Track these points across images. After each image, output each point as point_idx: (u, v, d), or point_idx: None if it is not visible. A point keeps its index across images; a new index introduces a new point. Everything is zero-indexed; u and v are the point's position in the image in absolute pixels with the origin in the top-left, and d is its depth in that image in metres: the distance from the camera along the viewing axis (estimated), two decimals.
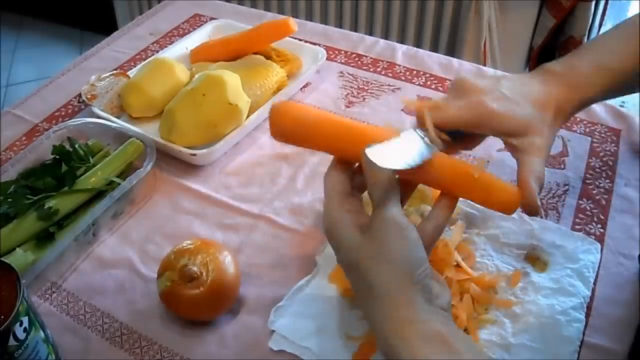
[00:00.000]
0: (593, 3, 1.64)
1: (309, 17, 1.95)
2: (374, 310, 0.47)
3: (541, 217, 0.72)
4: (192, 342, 0.63)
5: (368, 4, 1.85)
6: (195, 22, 1.14)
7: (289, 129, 0.53)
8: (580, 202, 0.76)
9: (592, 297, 0.64)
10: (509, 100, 0.57)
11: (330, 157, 0.54)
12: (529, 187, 0.55)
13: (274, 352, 0.61)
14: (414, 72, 0.99)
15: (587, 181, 0.79)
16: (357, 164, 0.54)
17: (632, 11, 2.24)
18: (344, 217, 0.50)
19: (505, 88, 0.58)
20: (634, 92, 0.67)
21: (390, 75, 0.99)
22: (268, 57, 0.95)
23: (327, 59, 0.99)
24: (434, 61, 1.01)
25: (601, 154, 0.82)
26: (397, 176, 0.50)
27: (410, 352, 0.44)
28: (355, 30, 1.79)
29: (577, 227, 0.73)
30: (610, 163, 0.81)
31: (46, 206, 0.71)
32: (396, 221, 0.48)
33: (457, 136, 0.58)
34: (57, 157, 0.77)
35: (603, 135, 0.85)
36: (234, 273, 0.64)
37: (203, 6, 1.19)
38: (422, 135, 0.54)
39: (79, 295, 0.68)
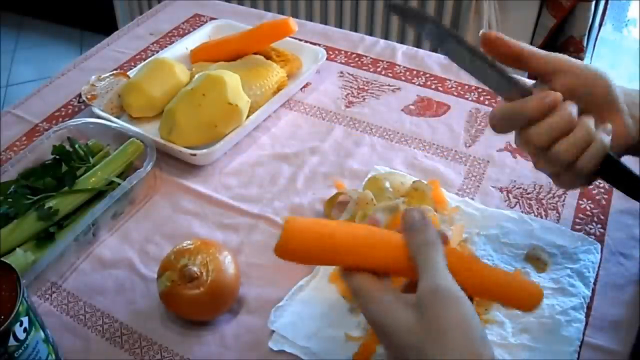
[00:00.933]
0: (593, 3, 1.64)
1: (309, 17, 1.95)
2: None
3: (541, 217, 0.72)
4: (192, 342, 0.63)
5: (368, 4, 1.85)
6: (195, 22, 1.14)
7: (305, 248, 0.49)
8: (580, 202, 0.76)
9: (592, 297, 0.64)
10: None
11: None
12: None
13: (274, 352, 0.61)
14: (414, 72, 0.99)
15: None
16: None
17: (632, 11, 2.24)
18: (392, 301, 0.46)
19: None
20: None
21: (390, 75, 0.99)
22: (268, 57, 0.95)
23: (327, 59, 0.99)
24: (434, 61, 1.01)
25: None
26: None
27: None
28: (355, 30, 1.79)
29: (577, 227, 0.73)
30: None
31: (46, 206, 0.71)
32: (451, 294, 0.45)
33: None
34: (57, 157, 0.77)
35: None
36: (234, 273, 0.64)
37: (203, 6, 1.19)
38: None
39: (79, 295, 0.68)
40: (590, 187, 0.77)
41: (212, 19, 1.13)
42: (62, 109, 0.95)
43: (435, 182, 0.75)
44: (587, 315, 0.63)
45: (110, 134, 0.82)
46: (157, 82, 0.88)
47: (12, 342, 0.50)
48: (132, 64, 1.03)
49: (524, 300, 0.52)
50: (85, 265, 0.71)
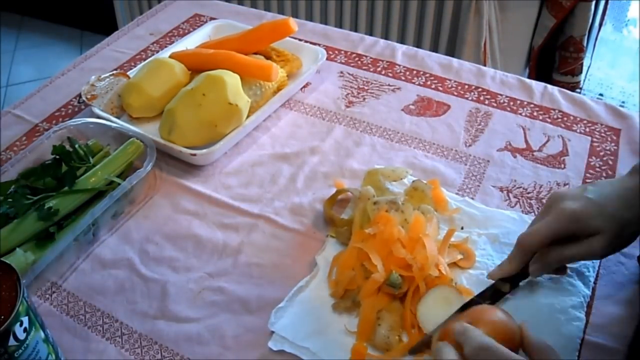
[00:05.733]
0: (593, 3, 1.64)
1: (309, 17, 1.95)
2: None
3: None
4: (192, 342, 0.63)
5: (368, 4, 1.85)
6: (195, 22, 1.14)
7: None
8: None
9: (592, 296, 0.64)
10: (592, 202, 0.60)
11: None
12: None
13: (274, 352, 0.61)
14: (414, 72, 0.99)
15: (587, 180, 0.78)
16: None
17: (632, 11, 2.24)
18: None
19: (590, 192, 0.61)
20: None
21: (390, 75, 0.99)
22: (268, 57, 0.95)
23: (327, 59, 0.99)
24: (434, 61, 1.01)
25: (601, 154, 0.82)
26: None
27: None
28: (355, 30, 1.78)
29: None
30: (610, 162, 0.81)
31: (46, 206, 0.71)
32: None
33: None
34: (57, 157, 0.77)
35: (603, 134, 0.85)
36: None
37: (203, 6, 1.19)
38: None
39: (79, 295, 0.68)
40: None
41: (212, 19, 1.13)
42: (62, 109, 0.95)
43: (435, 182, 0.75)
44: (588, 314, 0.63)
45: (110, 134, 0.82)
46: (157, 82, 0.88)
47: (12, 342, 0.50)
48: (132, 64, 1.03)
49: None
50: (85, 265, 0.71)
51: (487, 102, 0.92)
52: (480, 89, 0.95)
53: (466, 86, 0.95)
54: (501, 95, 0.93)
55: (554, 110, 0.90)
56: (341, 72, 1.00)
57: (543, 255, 0.62)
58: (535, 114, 0.90)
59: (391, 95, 0.95)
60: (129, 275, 0.70)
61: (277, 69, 0.89)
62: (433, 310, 0.61)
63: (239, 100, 0.82)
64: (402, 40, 1.85)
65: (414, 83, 0.97)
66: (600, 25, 1.77)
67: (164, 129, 0.82)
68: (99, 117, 0.86)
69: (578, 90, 1.78)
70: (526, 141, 0.85)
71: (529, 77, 1.76)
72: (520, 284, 0.64)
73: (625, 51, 2.25)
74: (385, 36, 1.87)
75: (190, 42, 1.01)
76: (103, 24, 2.20)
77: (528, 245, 0.62)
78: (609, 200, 0.60)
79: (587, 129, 0.86)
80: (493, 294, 0.63)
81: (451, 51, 1.81)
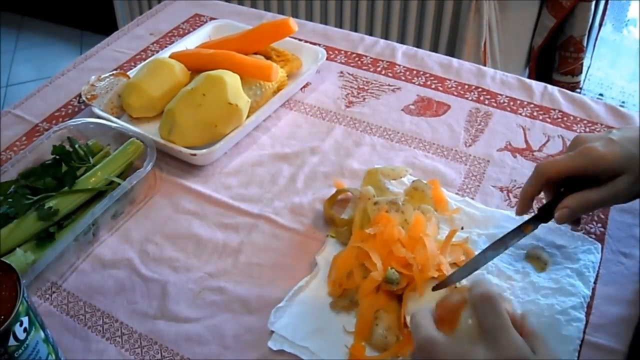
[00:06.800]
0: (593, 3, 1.64)
1: (309, 17, 1.95)
2: None
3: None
4: (192, 342, 0.63)
5: (368, 4, 1.85)
6: (195, 22, 1.14)
7: None
8: None
9: (592, 296, 0.64)
10: (614, 142, 0.61)
11: None
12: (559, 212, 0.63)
13: (274, 351, 0.61)
14: (414, 72, 0.99)
15: None
16: None
17: (632, 11, 2.24)
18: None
19: (614, 134, 0.62)
20: None
21: (390, 75, 0.99)
22: (268, 57, 0.95)
23: (327, 59, 0.99)
24: (434, 61, 1.01)
25: None
26: None
27: None
28: (355, 30, 1.79)
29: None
30: None
31: (46, 206, 0.71)
32: None
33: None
34: (57, 157, 0.77)
35: None
36: None
37: (203, 6, 1.19)
38: None
39: (79, 295, 0.68)
40: None
41: (212, 19, 1.13)
42: (62, 109, 0.95)
43: (435, 182, 0.75)
44: (588, 314, 0.63)
45: (110, 134, 0.82)
46: (157, 82, 0.88)
47: (12, 342, 0.50)
48: (132, 64, 1.03)
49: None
50: (85, 265, 0.71)
51: (487, 102, 0.92)
52: (480, 89, 0.95)
53: (466, 86, 0.95)
54: (501, 95, 0.93)
55: (554, 110, 0.90)
56: (341, 72, 1.00)
57: (568, 200, 0.62)
58: (535, 114, 0.90)
59: (391, 95, 0.95)
60: (129, 275, 0.70)
61: (277, 69, 0.89)
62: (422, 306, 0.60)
63: (239, 100, 0.82)
64: (402, 40, 1.85)
65: (414, 83, 0.97)
66: (600, 25, 1.77)
67: (164, 129, 0.82)
68: (99, 117, 0.86)
69: (578, 90, 1.79)
70: (526, 141, 0.85)
71: (529, 77, 1.77)
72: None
73: (625, 51, 2.25)
74: (385, 36, 1.87)
75: (190, 42, 1.01)
76: (103, 24, 2.20)
77: (546, 172, 0.62)
78: (632, 143, 0.60)
79: (587, 129, 0.86)
80: (515, 234, 0.64)
81: (451, 51, 1.81)
